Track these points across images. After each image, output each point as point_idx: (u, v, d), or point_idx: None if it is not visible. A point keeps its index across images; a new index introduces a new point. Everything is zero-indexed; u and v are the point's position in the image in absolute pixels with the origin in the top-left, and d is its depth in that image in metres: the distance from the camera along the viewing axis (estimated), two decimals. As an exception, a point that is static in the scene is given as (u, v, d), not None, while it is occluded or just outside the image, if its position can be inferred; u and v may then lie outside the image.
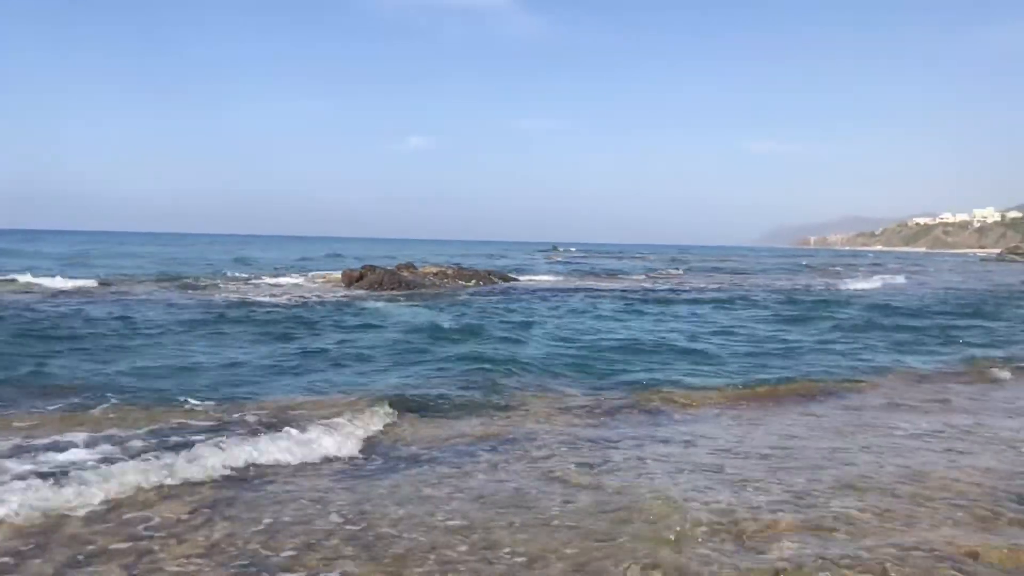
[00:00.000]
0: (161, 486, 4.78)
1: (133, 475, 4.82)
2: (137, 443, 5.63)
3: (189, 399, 7.16)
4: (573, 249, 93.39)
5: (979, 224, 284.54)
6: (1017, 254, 75.87)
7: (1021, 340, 13.32)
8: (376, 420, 6.55)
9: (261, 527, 4.21)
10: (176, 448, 5.47)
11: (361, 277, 23.62)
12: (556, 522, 4.30)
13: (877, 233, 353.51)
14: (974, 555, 3.84)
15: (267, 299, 18.42)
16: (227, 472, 5.13)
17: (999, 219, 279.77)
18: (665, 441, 6.18)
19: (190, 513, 4.40)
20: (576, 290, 25.27)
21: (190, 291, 20.40)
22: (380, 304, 17.43)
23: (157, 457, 5.19)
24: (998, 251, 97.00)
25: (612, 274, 36.53)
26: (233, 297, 18.70)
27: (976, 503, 4.60)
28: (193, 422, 6.43)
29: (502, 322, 14.32)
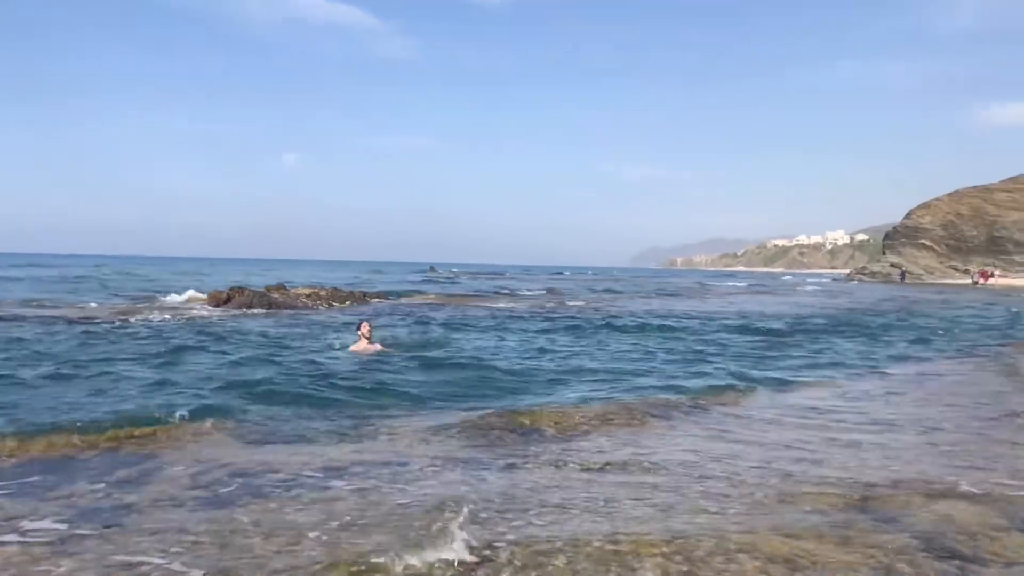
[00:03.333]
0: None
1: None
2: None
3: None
4: (455, 270, 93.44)
5: (831, 246, 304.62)
6: (863, 274, 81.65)
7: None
8: (230, 443, 6.20)
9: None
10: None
11: (229, 299, 22.70)
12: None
13: (739, 254, 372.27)
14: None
15: (131, 322, 17.34)
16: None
17: (848, 241, 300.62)
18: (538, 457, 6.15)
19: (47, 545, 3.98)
20: (445, 308, 25.21)
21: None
22: (244, 324, 16.75)
23: None
24: (847, 271, 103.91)
25: (495, 294, 36.66)
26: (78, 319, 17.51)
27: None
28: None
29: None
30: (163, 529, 4.35)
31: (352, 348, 12.55)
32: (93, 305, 22.66)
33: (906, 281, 68.45)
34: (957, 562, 3.86)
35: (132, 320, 17.78)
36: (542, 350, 13.69)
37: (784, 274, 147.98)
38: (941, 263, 73.62)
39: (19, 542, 4.14)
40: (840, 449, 6.55)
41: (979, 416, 8.10)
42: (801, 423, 7.75)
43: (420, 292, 35.68)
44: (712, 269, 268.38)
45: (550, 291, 42.48)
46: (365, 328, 12.73)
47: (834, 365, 12.49)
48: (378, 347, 12.58)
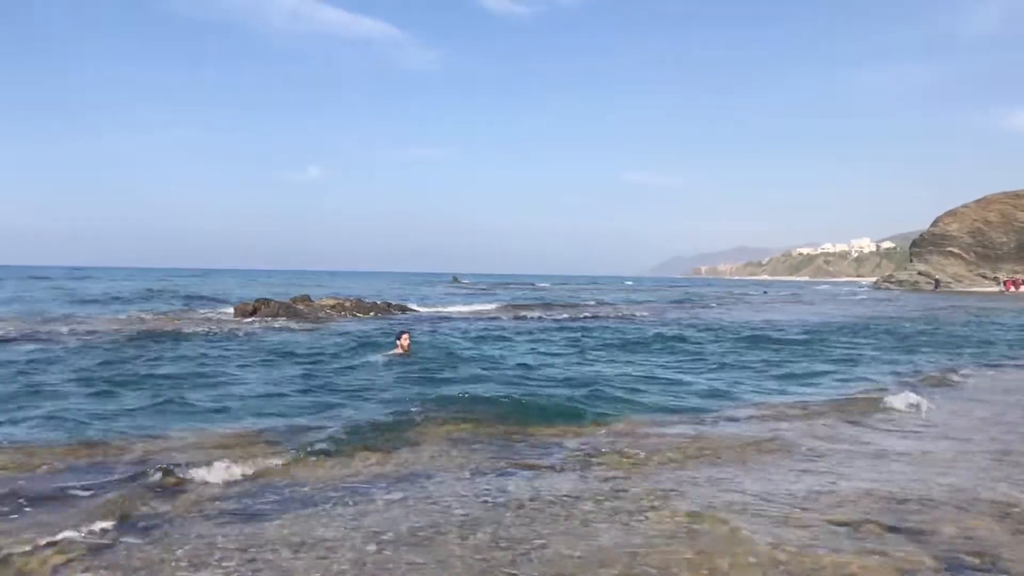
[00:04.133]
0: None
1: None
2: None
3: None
4: (483, 284, 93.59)
5: (856, 254, 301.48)
6: (891, 283, 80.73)
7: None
8: (266, 458, 6.26)
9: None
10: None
11: (255, 311, 22.94)
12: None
13: (764, 263, 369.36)
14: None
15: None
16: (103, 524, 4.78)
17: (874, 249, 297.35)
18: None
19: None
20: (476, 319, 25.26)
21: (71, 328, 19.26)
22: (274, 336, 16.91)
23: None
24: (874, 280, 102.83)
25: (536, 305, 36.61)
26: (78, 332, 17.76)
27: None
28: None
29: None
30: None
31: (386, 355, 12.70)
32: (148, 316, 22.92)
33: (939, 289, 67.50)
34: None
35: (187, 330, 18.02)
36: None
37: (819, 283, 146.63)
38: (970, 271, 72.57)
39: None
40: None
41: None
42: None
43: (445, 303, 35.78)
44: (737, 278, 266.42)
45: (599, 303, 42.24)
46: (405, 340, 12.81)
47: None
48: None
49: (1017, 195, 75.82)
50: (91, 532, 4.54)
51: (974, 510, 4.97)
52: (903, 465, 6.32)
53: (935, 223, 78.98)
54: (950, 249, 75.21)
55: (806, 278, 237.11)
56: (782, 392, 10.66)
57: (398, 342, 12.91)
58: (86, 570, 4.00)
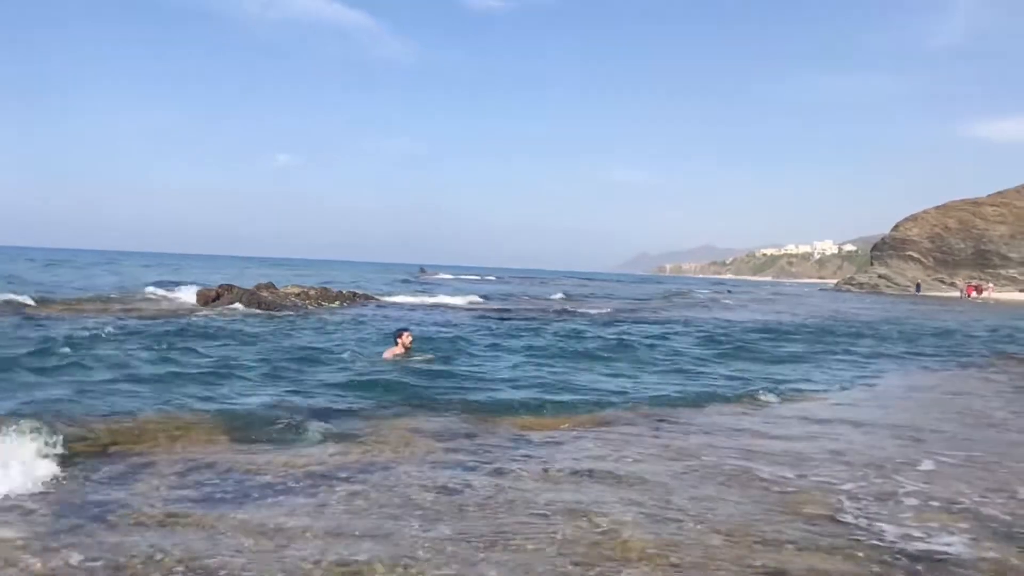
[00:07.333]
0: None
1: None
2: None
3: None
4: (431, 270, 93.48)
5: (819, 256, 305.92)
6: (851, 285, 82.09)
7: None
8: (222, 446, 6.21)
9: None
10: None
11: (218, 297, 22.64)
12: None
13: (728, 262, 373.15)
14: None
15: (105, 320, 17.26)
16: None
17: (836, 251, 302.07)
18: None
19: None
20: (435, 308, 25.25)
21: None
22: (236, 324, 16.70)
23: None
24: (835, 281, 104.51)
25: (503, 298, 36.62)
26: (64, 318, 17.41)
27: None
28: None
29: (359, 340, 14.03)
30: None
31: (386, 355, 11.95)
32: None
33: (921, 292, 68.53)
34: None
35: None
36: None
37: (787, 283, 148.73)
38: (928, 275, 73.99)
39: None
40: None
41: None
42: None
43: (408, 293, 35.69)
44: (701, 276, 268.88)
45: (567, 296, 42.73)
46: (406, 337, 12.02)
47: None
48: (427, 356, 12.11)
49: (976, 203, 77.50)
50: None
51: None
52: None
53: (896, 227, 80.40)
54: (910, 253, 76.65)
55: (769, 278, 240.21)
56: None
57: (399, 340, 11.98)
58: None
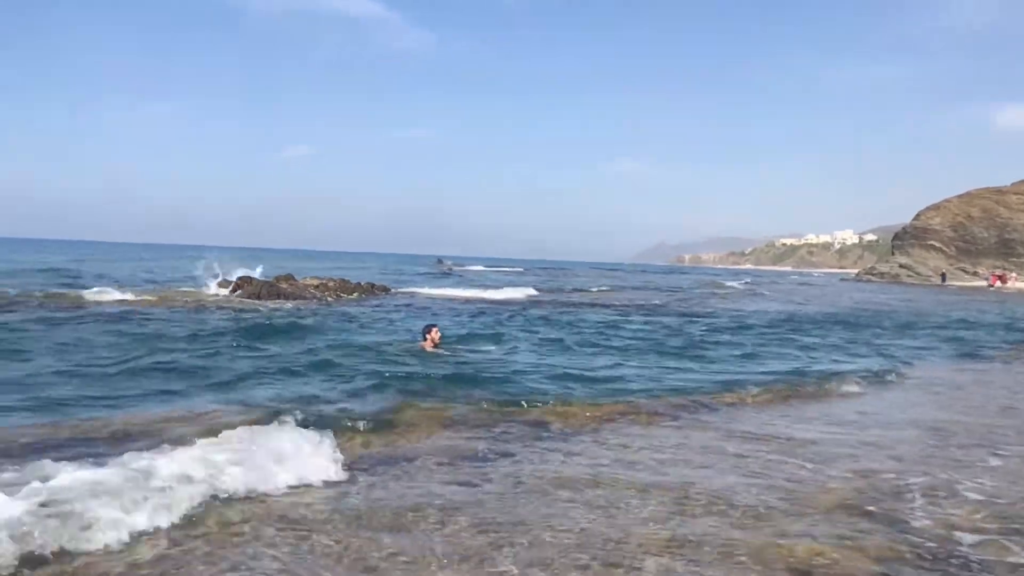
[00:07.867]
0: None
1: None
2: None
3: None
4: (450, 262, 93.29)
5: (839, 246, 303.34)
6: (872, 275, 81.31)
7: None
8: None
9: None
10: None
11: (237, 289, 22.78)
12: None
13: (747, 252, 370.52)
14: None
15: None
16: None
17: (857, 241, 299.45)
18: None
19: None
20: (464, 301, 25.20)
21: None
22: (265, 318, 16.76)
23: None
24: (856, 271, 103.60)
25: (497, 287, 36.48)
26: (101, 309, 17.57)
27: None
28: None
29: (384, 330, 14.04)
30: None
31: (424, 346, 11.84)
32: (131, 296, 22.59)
33: (946, 283, 67.67)
34: None
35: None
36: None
37: (814, 273, 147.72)
38: (951, 265, 73.12)
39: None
40: None
41: None
42: None
43: (431, 286, 35.60)
44: (720, 267, 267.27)
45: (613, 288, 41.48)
46: (435, 333, 11.93)
47: None
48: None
49: (1000, 191, 76.48)
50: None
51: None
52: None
53: (917, 217, 79.53)
54: (931, 243, 75.81)
55: (789, 268, 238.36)
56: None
57: (428, 335, 11.86)
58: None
